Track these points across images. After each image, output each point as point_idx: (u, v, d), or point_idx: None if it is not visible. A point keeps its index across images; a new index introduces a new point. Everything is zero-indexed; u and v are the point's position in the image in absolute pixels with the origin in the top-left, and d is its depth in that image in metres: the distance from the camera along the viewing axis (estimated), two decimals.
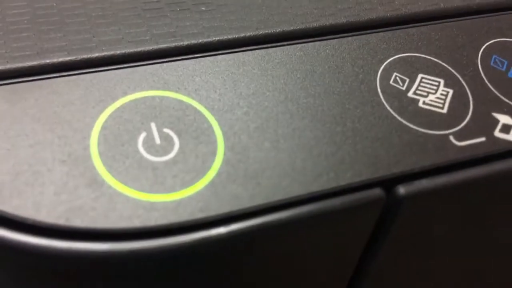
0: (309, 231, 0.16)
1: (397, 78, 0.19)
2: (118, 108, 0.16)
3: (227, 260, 0.16)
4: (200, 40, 0.19)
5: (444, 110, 0.18)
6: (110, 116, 0.16)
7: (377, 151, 0.17)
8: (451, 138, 0.18)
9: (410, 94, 0.18)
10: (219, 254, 0.15)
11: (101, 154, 0.15)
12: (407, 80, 0.19)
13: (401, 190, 0.16)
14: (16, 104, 0.16)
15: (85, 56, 0.17)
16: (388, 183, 0.16)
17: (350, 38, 0.20)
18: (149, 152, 0.16)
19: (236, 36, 0.19)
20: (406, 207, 0.17)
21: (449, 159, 0.17)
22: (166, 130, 0.16)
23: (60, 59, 0.17)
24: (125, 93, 0.17)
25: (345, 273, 0.19)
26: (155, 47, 0.18)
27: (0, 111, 0.16)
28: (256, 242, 0.16)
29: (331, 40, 0.20)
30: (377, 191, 0.16)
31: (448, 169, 0.17)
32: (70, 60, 0.17)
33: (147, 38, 0.18)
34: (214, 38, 0.19)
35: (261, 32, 0.19)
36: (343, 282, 0.19)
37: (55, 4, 0.19)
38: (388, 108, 0.18)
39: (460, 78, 0.19)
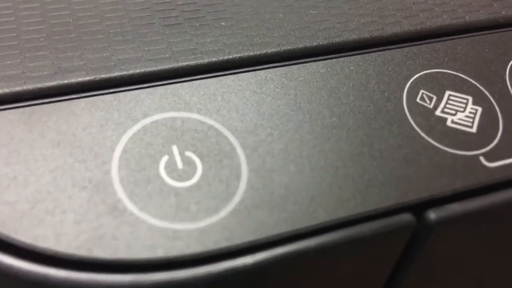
0: (335, 259, 0.16)
1: (424, 95, 0.18)
2: (139, 130, 0.16)
3: None
4: (221, 58, 0.18)
5: (474, 129, 0.18)
6: (131, 139, 0.16)
7: (405, 174, 0.16)
8: (482, 159, 0.17)
9: (437, 112, 0.18)
10: (244, 284, 0.15)
11: (122, 179, 0.15)
12: (434, 97, 0.18)
13: (432, 215, 0.16)
14: (34, 127, 0.16)
15: (104, 76, 0.17)
16: (418, 208, 0.16)
17: (374, 54, 0.19)
18: (171, 177, 0.15)
19: (258, 53, 0.18)
20: (436, 232, 0.16)
21: (480, 182, 0.16)
22: (188, 153, 0.16)
23: (79, 79, 0.17)
24: (145, 115, 0.16)
25: None
26: (175, 65, 0.18)
27: (18, 135, 0.15)
28: (282, 270, 0.15)
29: (355, 56, 0.19)
30: (407, 216, 0.16)
31: (479, 192, 0.16)
32: (89, 80, 0.17)
33: (167, 56, 0.18)
34: (235, 55, 0.18)
35: (283, 48, 0.19)
36: None
37: (71, 20, 0.19)
38: (416, 127, 0.17)
39: (489, 95, 0.19)
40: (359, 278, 0.17)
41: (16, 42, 0.18)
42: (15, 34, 0.18)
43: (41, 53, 0.17)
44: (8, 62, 0.17)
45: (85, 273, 0.13)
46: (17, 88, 0.16)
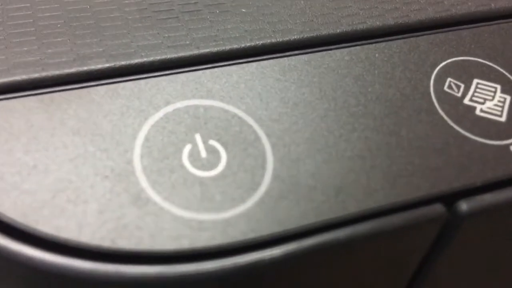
0: (365, 250, 0.15)
1: (452, 84, 0.18)
2: (161, 118, 0.15)
3: (280, 282, 0.15)
4: (243, 45, 0.18)
5: (503, 119, 0.17)
6: (153, 127, 0.15)
7: (435, 164, 0.16)
8: None
9: (466, 101, 0.17)
10: (271, 275, 0.14)
11: (144, 168, 0.14)
12: (462, 86, 0.18)
13: (464, 206, 0.15)
14: (54, 114, 0.15)
15: (124, 63, 0.16)
16: (449, 199, 0.15)
17: (399, 41, 0.19)
18: (195, 166, 0.15)
19: (280, 40, 0.18)
20: (467, 223, 0.15)
21: (511, 172, 0.16)
22: (212, 142, 0.15)
23: (99, 66, 0.16)
24: (167, 103, 0.16)
25: None
26: (197, 52, 0.17)
27: (38, 122, 0.15)
28: (310, 262, 0.15)
29: (380, 43, 0.18)
30: (437, 207, 0.15)
31: (510, 182, 0.16)
32: (109, 67, 0.16)
33: (187, 42, 0.17)
34: (257, 42, 0.18)
35: (306, 35, 0.18)
36: None
37: (88, 7, 0.18)
38: (444, 116, 0.17)
39: None
40: (388, 269, 0.17)
41: (33, 29, 0.17)
42: (31, 20, 0.18)
43: (59, 39, 0.17)
44: (25, 49, 0.17)
45: (109, 264, 0.13)
46: (36, 75, 0.16)
